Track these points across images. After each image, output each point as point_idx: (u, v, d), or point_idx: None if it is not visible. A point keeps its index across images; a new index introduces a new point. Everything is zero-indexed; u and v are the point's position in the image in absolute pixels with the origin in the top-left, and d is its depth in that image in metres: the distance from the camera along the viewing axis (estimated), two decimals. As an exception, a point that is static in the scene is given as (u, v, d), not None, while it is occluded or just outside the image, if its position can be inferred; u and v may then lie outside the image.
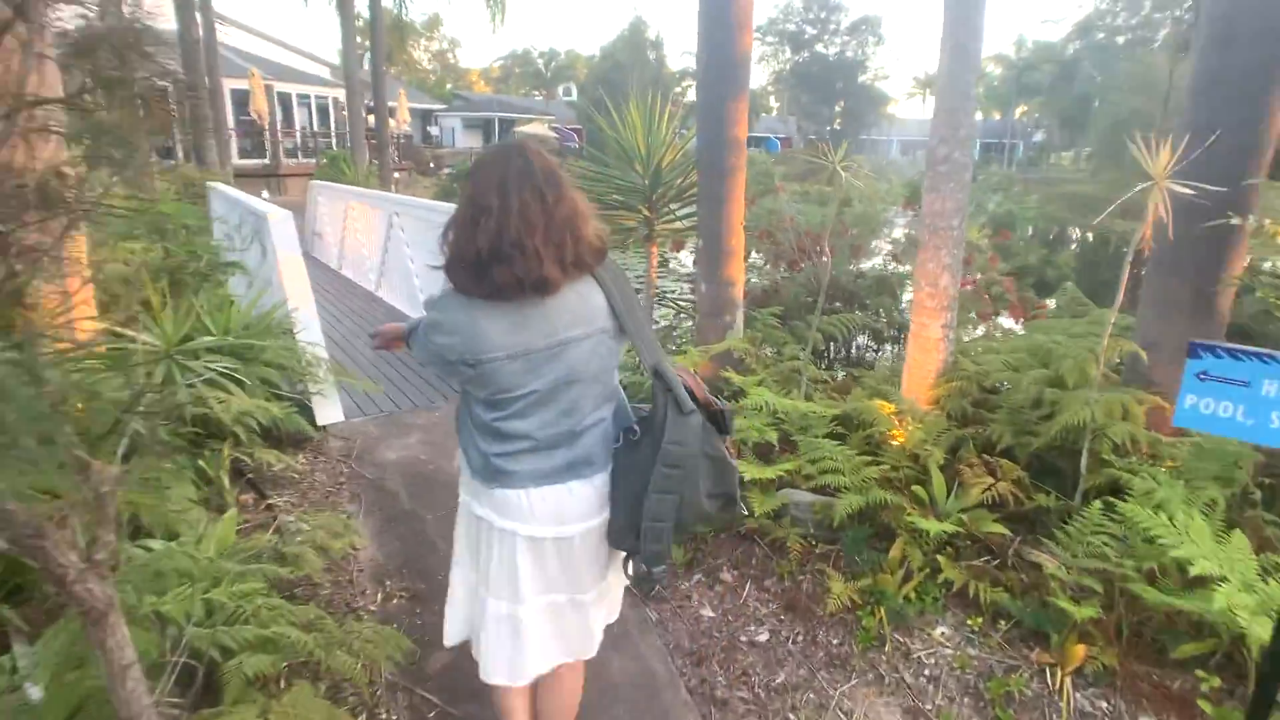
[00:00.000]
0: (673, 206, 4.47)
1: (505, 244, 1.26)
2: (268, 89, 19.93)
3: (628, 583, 1.63)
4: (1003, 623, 2.30)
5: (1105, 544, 2.07)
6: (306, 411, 3.87)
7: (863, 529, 2.61)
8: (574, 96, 46.32)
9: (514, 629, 1.51)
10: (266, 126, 20.36)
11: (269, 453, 3.08)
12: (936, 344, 3.23)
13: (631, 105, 4.32)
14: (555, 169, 1.33)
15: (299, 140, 22.40)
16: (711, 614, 2.49)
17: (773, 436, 2.94)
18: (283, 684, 1.98)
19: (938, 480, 2.68)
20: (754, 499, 2.70)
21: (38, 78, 1.29)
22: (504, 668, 1.54)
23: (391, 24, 21.02)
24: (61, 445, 1.35)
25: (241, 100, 19.50)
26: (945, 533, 2.34)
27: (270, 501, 2.96)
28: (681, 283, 6.01)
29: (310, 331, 4.14)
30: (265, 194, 15.33)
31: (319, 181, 11.09)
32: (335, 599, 2.53)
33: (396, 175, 21.45)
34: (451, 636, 1.66)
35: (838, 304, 5.04)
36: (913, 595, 2.37)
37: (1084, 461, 2.53)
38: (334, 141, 22.73)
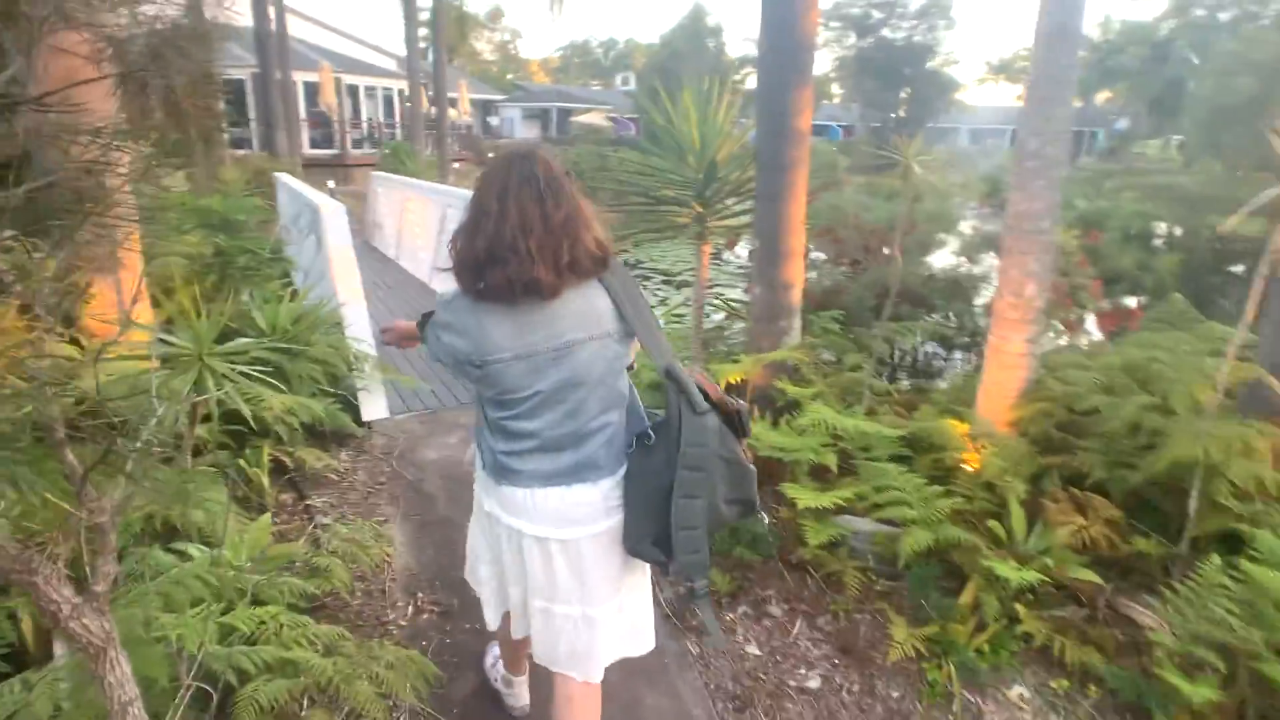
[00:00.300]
0: (728, 202, 4.24)
1: (501, 246, 1.29)
2: (337, 81, 20.44)
3: (654, 610, 1.61)
4: (1093, 688, 2.02)
5: (1226, 609, 1.77)
6: (353, 408, 3.83)
7: (931, 568, 2.36)
8: (631, 86, 46.12)
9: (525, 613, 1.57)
10: (336, 118, 20.91)
11: (309, 451, 3.03)
12: (1018, 360, 2.92)
13: (685, 93, 4.10)
14: (559, 175, 1.35)
15: (366, 131, 22.95)
16: (758, 651, 2.30)
17: (830, 459, 2.71)
18: (301, 710, 1.89)
19: (1017, 516, 2.40)
20: (809, 528, 2.48)
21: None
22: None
23: (454, 16, 21.23)
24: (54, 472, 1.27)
25: (313, 92, 20.06)
26: (1026, 580, 2.07)
27: (309, 502, 2.91)
28: (736, 281, 5.77)
29: (358, 326, 4.10)
30: (331, 184, 15.71)
31: (379, 173, 11.24)
32: (365, 611, 2.44)
33: (456, 165, 21.75)
34: (492, 621, 1.71)
35: (904, 307, 4.72)
36: (986, 648, 2.12)
37: (1194, 503, 2.21)
38: (399, 132, 23.18)
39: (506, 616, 1.67)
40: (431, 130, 17.11)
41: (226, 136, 19.09)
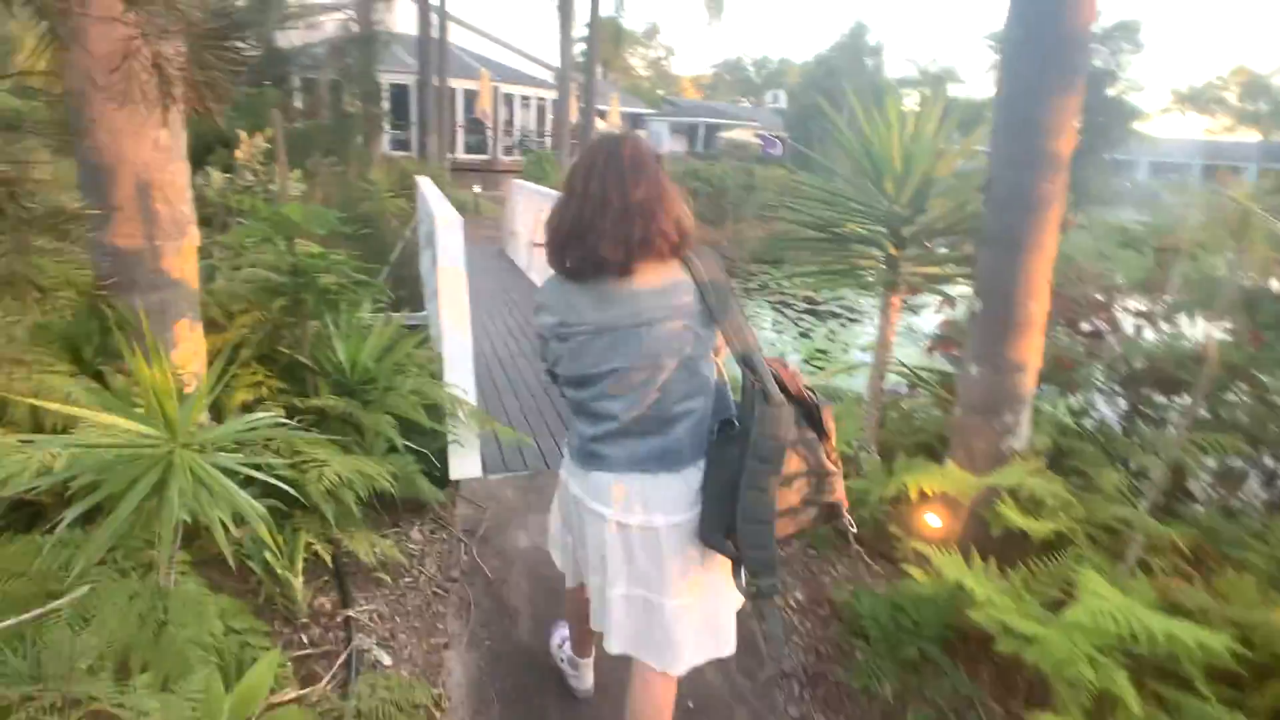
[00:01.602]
0: (932, 243, 3.23)
1: (580, 225, 1.35)
2: (494, 89, 20.99)
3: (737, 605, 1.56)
4: None
5: None
6: (440, 457, 3.19)
7: None
8: (782, 103, 44.77)
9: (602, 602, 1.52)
10: (490, 124, 21.49)
11: (364, 538, 2.37)
12: None
13: (889, 100, 3.14)
14: (645, 157, 1.38)
15: (518, 138, 23.47)
16: None
17: (1125, 689, 1.65)
18: None
19: None
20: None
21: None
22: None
23: (612, 31, 21.19)
24: None
25: (472, 99, 20.71)
26: None
27: (351, 613, 2.23)
28: (901, 338, 4.61)
29: (458, 362, 3.48)
30: (478, 188, 15.92)
31: (519, 180, 11.01)
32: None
33: (600, 177, 21.66)
34: (572, 579, 1.73)
35: (1147, 391, 3.45)
36: None
37: None
38: (549, 141, 23.54)
39: (579, 591, 1.67)
40: (578, 141, 17.01)
41: (387, 138, 20.18)
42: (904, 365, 3.61)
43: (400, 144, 18.80)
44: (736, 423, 1.40)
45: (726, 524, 1.36)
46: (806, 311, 11.14)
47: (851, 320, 10.82)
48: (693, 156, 29.77)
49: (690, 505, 1.43)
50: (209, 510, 1.40)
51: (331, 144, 10.55)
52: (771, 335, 10.22)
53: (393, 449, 2.76)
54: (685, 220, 1.39)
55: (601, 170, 1.35)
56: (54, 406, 1.64)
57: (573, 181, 1.38)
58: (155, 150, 2.06)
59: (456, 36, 22.96)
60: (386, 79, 19.33)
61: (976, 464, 2.68)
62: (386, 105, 20.32)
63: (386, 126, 20.05)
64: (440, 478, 3.19)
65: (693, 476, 1.43)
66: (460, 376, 3.42)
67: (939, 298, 3.62)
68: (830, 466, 1.40)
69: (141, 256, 2.13)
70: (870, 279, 3.29)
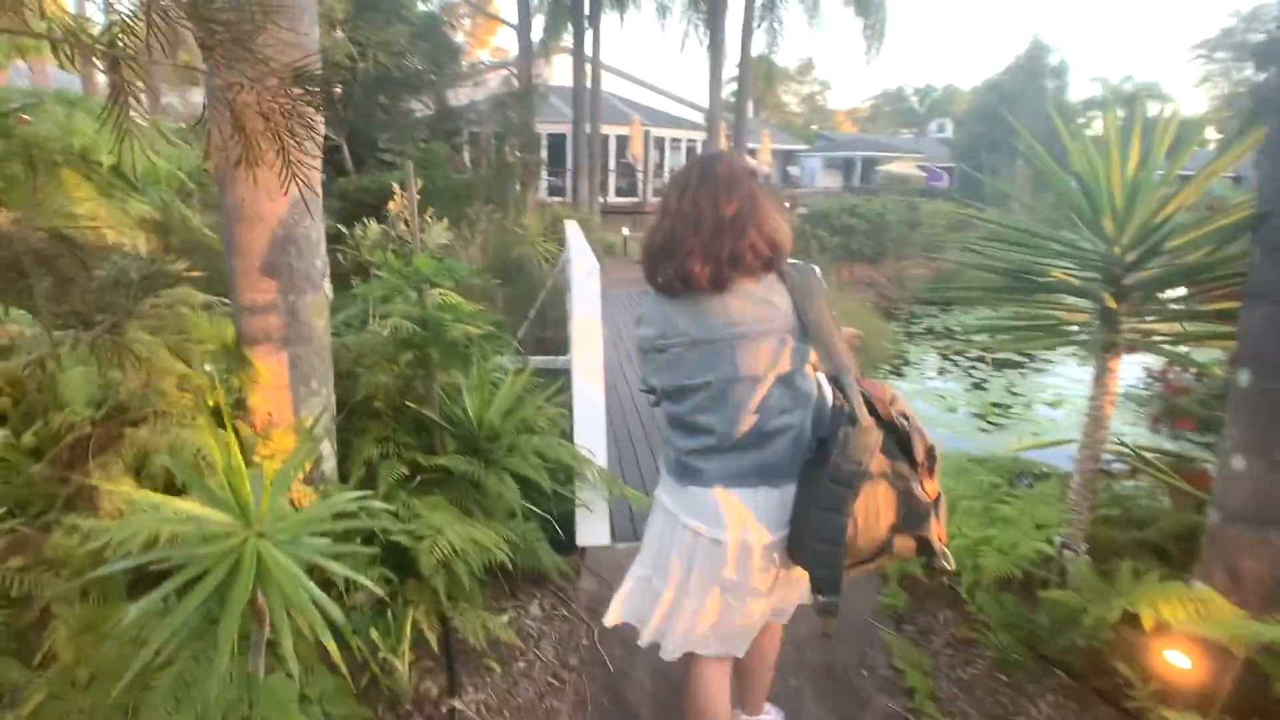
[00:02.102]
0: (1165, 294, 2.56)
1: (672, 241, 1.37)
2: (646, 134, 21.56)
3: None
4: None
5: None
6: (568, 521, 2.99)
7: None
8: (948, 133, 42.14)
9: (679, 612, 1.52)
10: (640, 168, 22.06)
11: (475, 617, 2.17)
12: None
13: (1107, 115, 2.56)
14: (740, 173, 1.39)
15: (667, 180, 23.92)
16: None
17: None
18: None
19: None
20: None
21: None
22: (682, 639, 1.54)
23: (764, 70, 21.01)
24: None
25: (624, 144, 21.40)
26: None
27: (456, 704, 2.02)
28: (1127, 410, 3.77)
29: (589, 419, 3.28)
30: (626, 230, 16.22)
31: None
32: None
33: (749, 215, 21.36)
34: (612, 616, 1.66)
35: None
36: None
37: None
38: (696, 181, 23.73)
39: (699, 664, 1.62)
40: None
41: (544, 185, 21.30)
42: (1123, 445, 2.90)
43: (557, 190, 19.77)
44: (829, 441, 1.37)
45: (805, 543, 1.36)
46: (978, 359, 9.99)
47: (1034, 369, 9.55)
48: (849, 191, 28.68)
49: (786, 524, 1.41)
50: (276, 608, 1.23)
51: (491, 193, 11.18)
52: (939, 384, 9.25)
53: (515, 513, 2.58)
54: (779, 234, 1.39)
55: (695, 187, 1.37)
56: (133, 493, 1.59)
57: (667, 199, 1.41)
58: (290, 206, 2.05)
59: (611, 85, 23.99)
60: (545, 129, 20.53)
61: (1245, 592, 2.00)
62: (545, 153, 21.60)
63: (544, 174, 21.24)
64: (563, 545, 2.98)
65: (791, 494, 1.41)
66: (591, 434, 3.21)
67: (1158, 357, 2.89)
68: (923, 498, 1.34)
69: (276, 312, 2.11)
70: (1081, 336, 2.67)
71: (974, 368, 9.62)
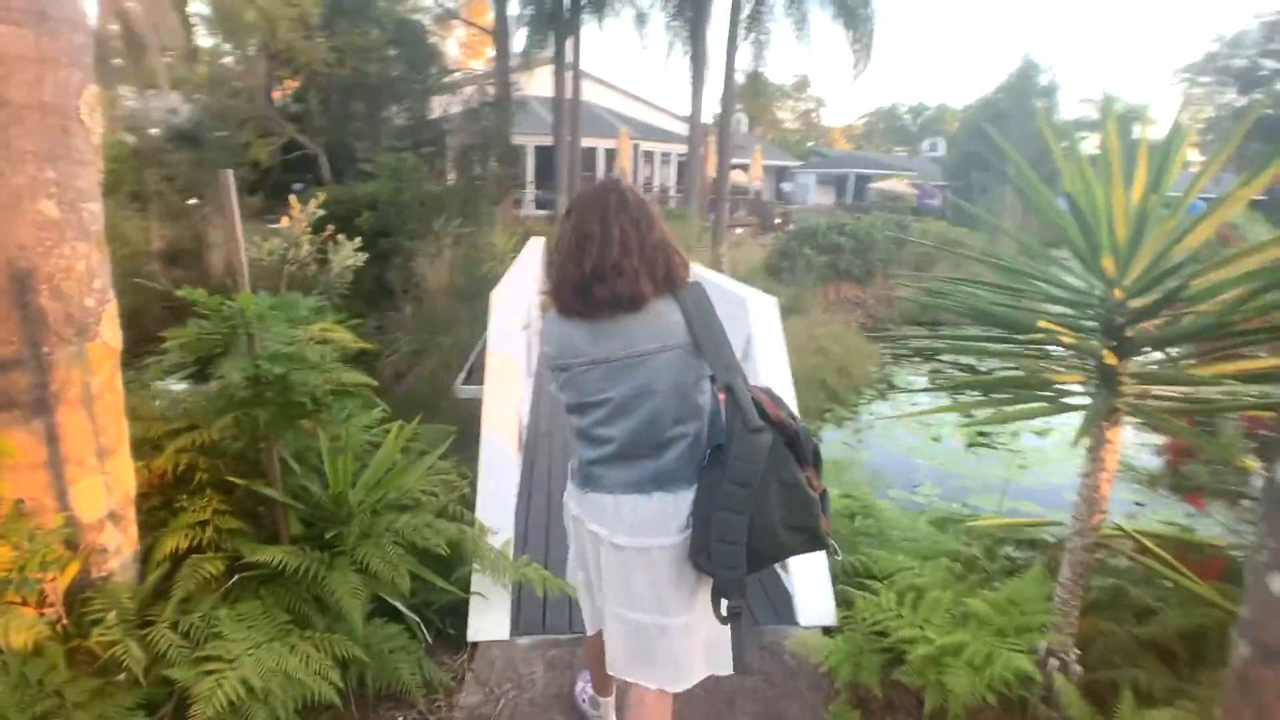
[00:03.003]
0: (1174, 351, 2.07)
1: (607, 265, 1.40)
2: (634, 147, 21.16)
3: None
4: None
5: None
6: (458, 612, 2.47)
7: None
8: (940, 151, 41.96)
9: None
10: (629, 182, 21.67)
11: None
12: None
13: (1110, 124, 2.09)
14: (645, 203, 1.48)
15: (656, 194, 23.49)
16: None
17: None
18: None
19: None
20: None
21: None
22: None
23: (752, 85, 20.61)
24: None
25: (613, 157, 21.01)
26: None
27: None
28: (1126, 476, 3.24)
29: (493, 488, 2.76)
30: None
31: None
32: None
33: (739, 231, 20.91)
34: (590, 628, 1.76)
35: None
36: None
37: None
38: (687, 197, 23.36)
39: (599, 636, 1.68)
40: (715, 195, 16.48)
41: (531, 199, 20.81)
42: (1122, 530, 2.39)
43: (546, 203, 19.28)
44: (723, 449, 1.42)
45: (708, 546, 1.39)
46: (966, 384, 9.54)
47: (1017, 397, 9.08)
48: (841, 208, 28.33)
49: (683, 528, 1.46)
50: None
51: (463, 207, 10.70)
52: (926, 404, 8.78)
53: (373, 615, 2.06)
54: (687, 259, 1.50)
55: (616, 214, 1.42)
56: None
57: (585, 225, 1.43)
58: (36, 229, 1.54)
59: (600, 97, 23.62)
60: (533, 142, 20.06)
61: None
62: (532, 166, 21.10)
63: (530, 187, 20.72)
64: (457, 636, 2.46)
65: (686, 499, 1.47)
66: (497, 501, 2.70)
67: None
68: (808, 491, 1.39)
69: (21, 369, 1.60)
70: (1075, 401, 2.17)
71: (960, 394, 9.16)
